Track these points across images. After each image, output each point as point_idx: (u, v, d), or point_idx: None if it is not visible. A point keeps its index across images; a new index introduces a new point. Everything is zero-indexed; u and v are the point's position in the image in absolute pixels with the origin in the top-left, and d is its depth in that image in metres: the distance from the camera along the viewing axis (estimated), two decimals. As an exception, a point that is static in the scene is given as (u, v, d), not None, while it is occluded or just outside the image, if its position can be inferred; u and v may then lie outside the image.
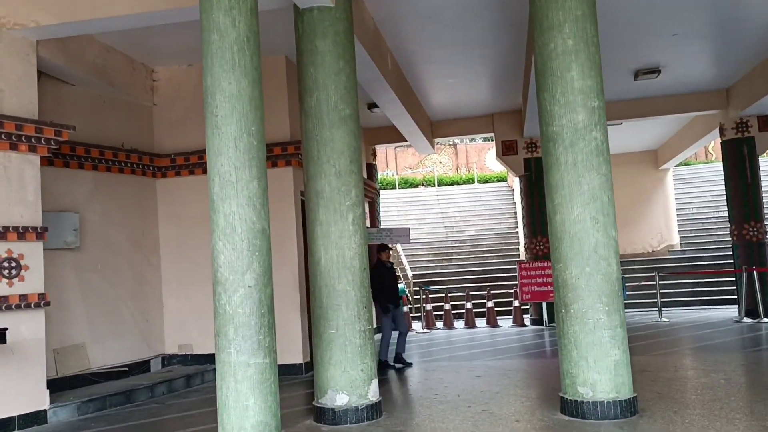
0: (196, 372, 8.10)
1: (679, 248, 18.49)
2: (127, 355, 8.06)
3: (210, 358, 8.35)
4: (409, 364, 8.74)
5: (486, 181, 28.07)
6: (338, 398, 5.60)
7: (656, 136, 17.01)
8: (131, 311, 8.22)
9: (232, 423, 4.61)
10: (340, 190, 5.79)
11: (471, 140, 37.76)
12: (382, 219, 21.41)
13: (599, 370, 5.26)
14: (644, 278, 16.51)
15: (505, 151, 13.24)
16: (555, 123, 5.52)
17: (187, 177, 8.73)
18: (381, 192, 26.66)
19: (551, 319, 12.69)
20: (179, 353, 8.67)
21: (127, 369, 7.94)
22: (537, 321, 12.94)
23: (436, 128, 13.65)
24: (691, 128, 15.13)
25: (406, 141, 13.43)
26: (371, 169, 13.83)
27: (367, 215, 13.30)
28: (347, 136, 5.88)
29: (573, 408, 5.33)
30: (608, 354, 5.27)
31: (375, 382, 5.78)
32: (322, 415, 5.64)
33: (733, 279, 14.36)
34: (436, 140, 14.01)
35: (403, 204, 24.63)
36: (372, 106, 11.69)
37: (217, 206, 4.78)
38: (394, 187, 28.19)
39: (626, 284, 11.05)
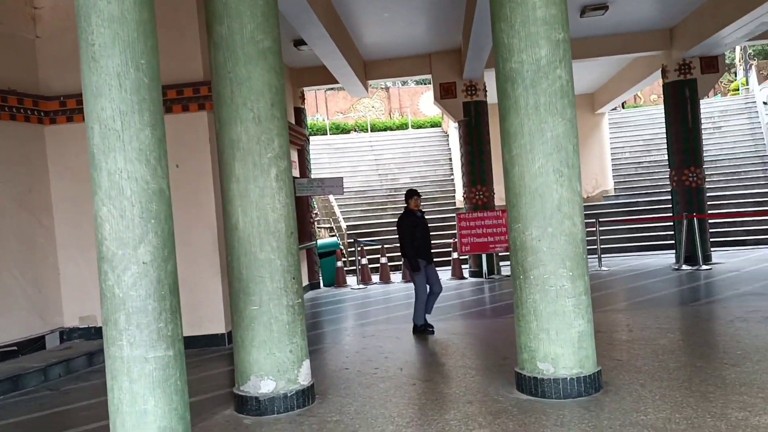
0: (100, 348, 7.07)
1: (613, 194, 18.42)
2: (15, 332, 6.94)
3: (118, 331, 7.34)
4: (431, 331, 7.46)
5: (420, 127, 27.32)
6: (263, 385, 4.78)
7: (593, 80, 16.56)
8: (19, 281, 7.05)
9: (128, 432, 3.72)
10: (260, 139, 4.81)
11: (404, 84, 36.77)
12: (312, 167, 20.37)
13: (562, 344, 4.63)
14: (580, 225, 16.32)
15: (443, 94, 12.40)
16: (513, 59, 4.70)
17: (81, 123, 7.46)
18: (311, 138, 25.50)
19: (491, 270, 12.25)
20: (81, 326, 7.60)
21: (16, 348, 6.84)
22: (476, 273, 12.46)
23: (369, 69, 12.62)
24: (630, 70, 14.73)
25: (337, 83, 12.37)
26: (299, 113, 12.74)
27: (297, 164, 12.32)
28: (267, 74, 4.87)
29: (532, 385, 4.71)
30: (572, 325, 4.64)
31: (306, 364, 4.98)
32: (245, 404, 4.82)
33: (669, 225, 14.35)
34: (370, 82, 13.00)
35: (334, 151, 23.59)
36: (299, 43, 10.55)
37: (98, 162, 3.74)
38: (324, 133, 27.04)
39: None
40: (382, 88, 32.46)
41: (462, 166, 12.64)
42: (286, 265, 4.88)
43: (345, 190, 20.47)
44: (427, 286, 7.52)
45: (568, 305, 4.63)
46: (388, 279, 12.89)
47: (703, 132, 12.19)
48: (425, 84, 34.09)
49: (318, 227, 18.51)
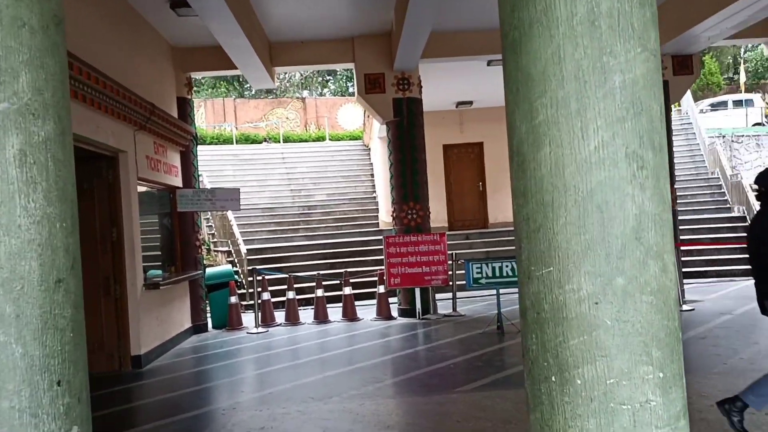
0: None
1: (553, 216, 16.53)
2: None
3: None
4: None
5: (339, 140, 24.86)
6: None
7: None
8: None
9: None
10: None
11: (321, 94, 34.50)
12: (211, 179, 17.44)
13: None
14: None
15: (369, 87, 9.99)
16: None
17: None
18: (214, 148, 22.47)
19: (426, 309, 9.83)
20: None
21: None
22: (407, 311, 10.00)
23: (276, 53, 10.03)
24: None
25: (235, 68, 9.68)
26: (185, 105, 9.92)
27: (179, 171, 9.54)
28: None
29: None
30: (663, 485, 2.20)
31: None
32: None
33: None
34: (277, 70, 10.41)
35: (241, 162, 20.72)
36: (178, 4, 7.85)
37: None
38: (231, 143, 24.09)
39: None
40: (297, 98, 29.87)
41: (391, 178, 10.21)
42: (38, 355, 2.18)
43: (250, 206, 17.66)
44: None
45: (659, 443, 2.18)
46: (295, 319, 10.19)
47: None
48: (345, 95, 31.82)
49: (215, 251, 15.60)
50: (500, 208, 16.12)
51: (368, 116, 18.58)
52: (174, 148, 9.33)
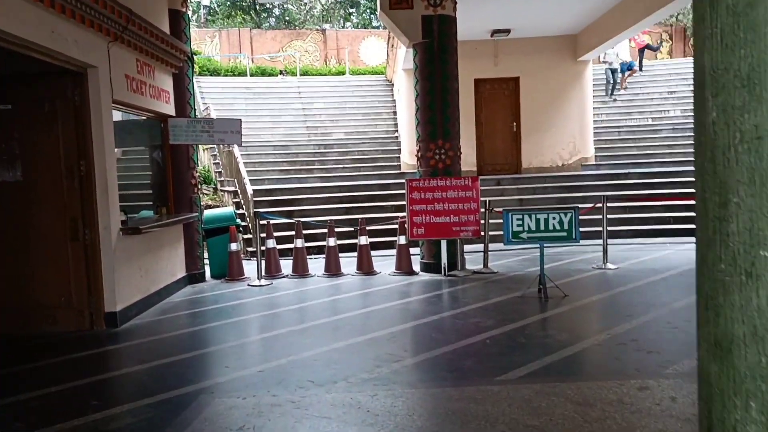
0: None
1: (594, 162, 15.01)
2: None
3: None
4: None
5: (360, 75, 23.18)
6: None
7: (577, 16, 12.84)
8: None
9: None
10: None
11: (342, 26, 32.58)
12: (217, 113, 16.08)
13: None
14: (558, 200, 12.89)
15: (394, 2, 8.43)
16: None
17: None
18: (228, 80, 21.02)
19: (452, 264, 8.54)
20: None
21: None
22: (431, 266, 8.72)
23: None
24: (629, 4, 11.17)
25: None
26: (177, 19, 8.44)
27: (171, 96, 8.22)
28: None
29: None
30: None
31: None
32: None
33: (671, 206, 11.18)
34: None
35: (254, 96, 19.27)
36: None
37: None
38: (245, 76, 22.53)
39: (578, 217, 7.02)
40: (317, 30, 28.02)
41: (417, 111, 8.75)
42: None
43: (262, 143, 16.32)
44: None
45: None
46: (304, 271, 8.99)
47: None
48: (368, 27, 29.90)
49: (221, 191, 14.39)
50: (535, 152, 14.60)
51: (392, 46, 16.90)
52: (164, 70, 7.96)
